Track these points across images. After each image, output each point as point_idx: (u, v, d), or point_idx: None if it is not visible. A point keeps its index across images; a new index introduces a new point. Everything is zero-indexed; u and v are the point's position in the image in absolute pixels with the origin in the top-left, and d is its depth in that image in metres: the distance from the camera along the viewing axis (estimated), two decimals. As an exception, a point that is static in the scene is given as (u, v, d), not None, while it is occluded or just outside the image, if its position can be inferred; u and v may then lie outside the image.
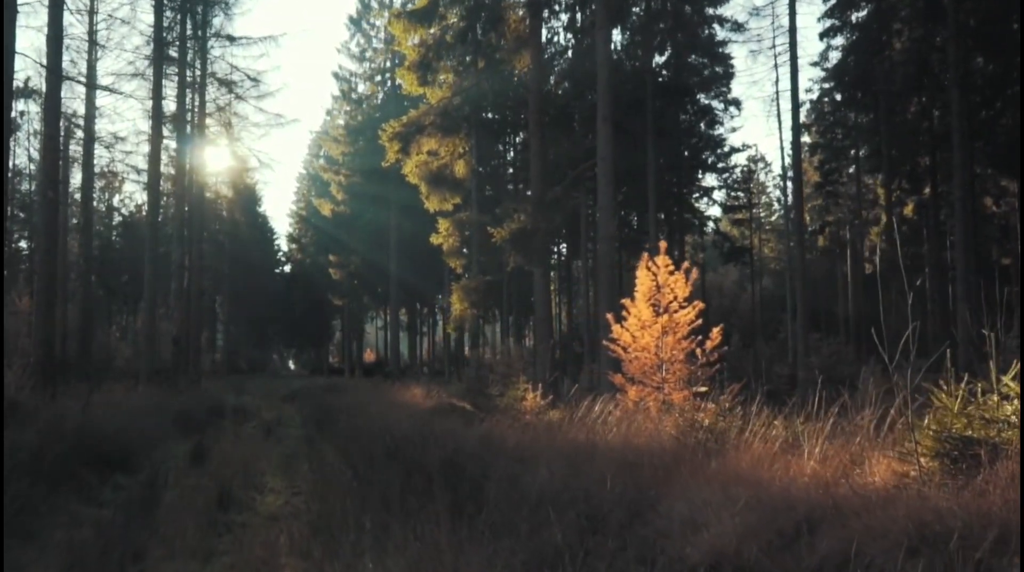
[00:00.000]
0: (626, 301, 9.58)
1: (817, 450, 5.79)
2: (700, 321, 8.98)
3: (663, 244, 9.59)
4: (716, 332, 8.90)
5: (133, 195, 51.89)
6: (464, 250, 22.34)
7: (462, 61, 20.59)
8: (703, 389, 8.83)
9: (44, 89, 17.88)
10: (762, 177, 57.26)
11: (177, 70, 27.77)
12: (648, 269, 9.31)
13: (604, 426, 8.63)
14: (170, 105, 28.78)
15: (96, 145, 30.31)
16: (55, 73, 16.45)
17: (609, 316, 9.68)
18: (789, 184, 48.21)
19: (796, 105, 25.73)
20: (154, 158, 24.04)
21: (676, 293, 9.09)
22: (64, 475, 7.31)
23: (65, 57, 27.13)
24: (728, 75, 33.56)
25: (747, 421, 7.55)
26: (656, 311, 9.17)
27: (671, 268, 9.22)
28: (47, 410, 10.53)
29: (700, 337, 8.99)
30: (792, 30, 25.54)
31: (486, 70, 20.77)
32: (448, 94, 19.40)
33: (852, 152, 41.24)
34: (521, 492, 5.19)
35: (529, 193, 31.94)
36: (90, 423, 10.20)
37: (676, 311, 9.05)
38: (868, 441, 6.08)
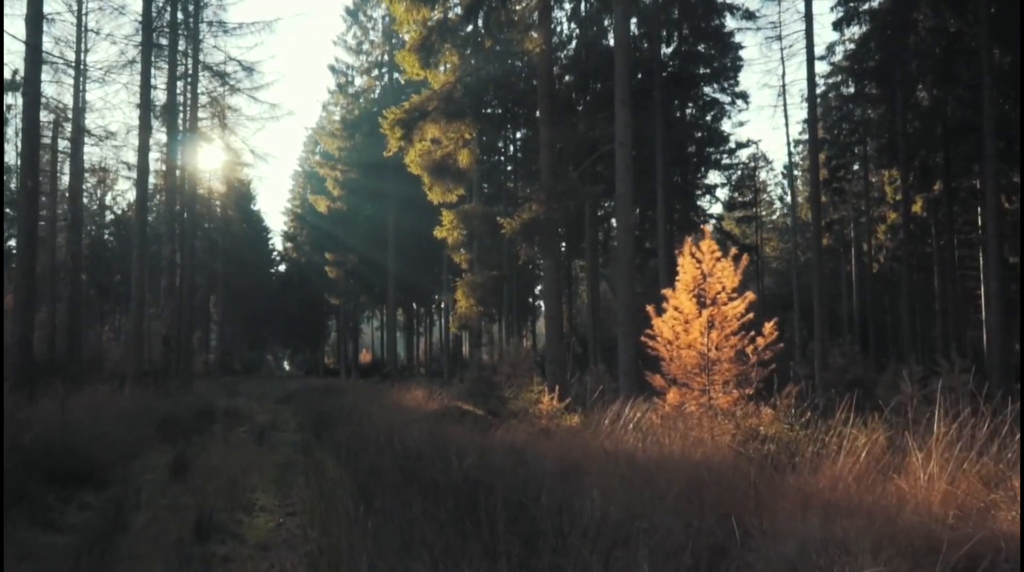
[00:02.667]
0: (667, 291, 8.50)
1: (931, 468, 4.72)
2: (751, 315, 7.91)
3: (706, 228, 8.52)
4: (770, 326, 7.82)
5: (126, 194, 50.64)
6: (469, 244, 21.22)
7: (466, 44, 19.49)
8: (748, 392, 7.78)
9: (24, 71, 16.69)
10: (763, 175, 56.43)
11: (167, 59, 26.67)
12: (692, 255, 8.23)
13: (643, 435, 7.56)
14: (161, 96, 27.75)
15: (86, 140, 29.21)
16: (34, 48, 15.35)
17: (649, 309, 8.60)
18: (796, 181, 47.44)
19: (813, 94, 24.76)
20: (143, 150, 22.88)
21: (724, 282, 8.01)
22: (17, 494, 6.21)
23: (56, 48, 26.16)
24: (736, 67, 32.53)
25: (816, 429, 6.51)
26: (701, 303, 8.10)
27: (718, 254, 8.15)
28: (17, 415, 9.42)
29: (753, 333, 7.91)
30: (808, 17, 24.49)
31: (491, 55, 19.70)
32: (452, 78, 18.29)
33: (857, 149, 40.32)
34: (586, 528, 4.10)
35: (529, 191, 30.98)
36: (60, 430, 9.12)
37: (725, 303, 7.97)
38: (979, 455, 5.03)
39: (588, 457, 6.22)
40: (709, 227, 41.99)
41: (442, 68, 19.51)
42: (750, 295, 7.94)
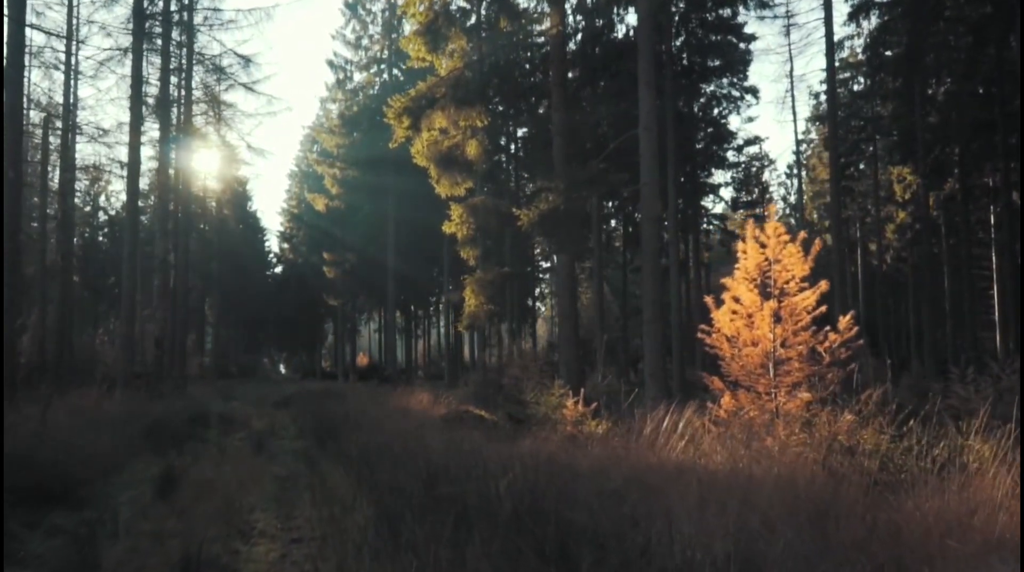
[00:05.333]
0: (726, 281, 7.49)
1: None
2: (824, 308, 6.90)
3: (772, 207, 7.52)
4: (846, 321, 6.84)
5: (120, 194, 49.50)
6: (475, 240, 20.20)
7: (474, 29, 18.55)
8: (824, 396, 6.80)
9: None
10: (766, 175, 55.59)
11: (160, 49, 25.60)
12: (755, 239, 7.22)
13: (695, 445, 6.56)
14: (154, 91, 26.71)
15: (79, 138, 28.17)
16: (18, 23, 14.34)
17: (708, 300, 7.61)
18: (802, 181, 46.57)
19: (832, 84, 23.84)
20: (134, 146, 21.82)
21: (793, 271, 7.02)
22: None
23: (46, 43, 25.13)
24: (746, 60, 31.59)
25: (916, 441, 5.53)
26: (765, 294, 7.10)
27: (785, 238, 7.15)
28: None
29: (828, 328, 6.92)
30: (827, 4, 23.56)
31: (498, 45, 18.74)
32: (460, 64, 17.32)
33: (864, 146, 39.50)
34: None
35: (541, 183, 29.96)
36: (35, 439, 8.12)
37: (794, 294, 6.98)
38: None
39: (650, 472, 5.23)
40: (712, 228, 41.20)
41: (445, 61, 18.55)
42: (824, 284, 6.93)
